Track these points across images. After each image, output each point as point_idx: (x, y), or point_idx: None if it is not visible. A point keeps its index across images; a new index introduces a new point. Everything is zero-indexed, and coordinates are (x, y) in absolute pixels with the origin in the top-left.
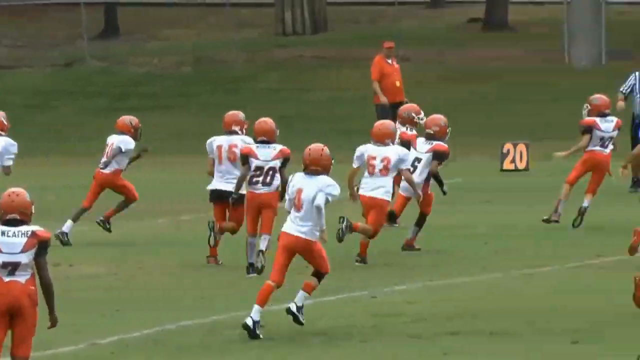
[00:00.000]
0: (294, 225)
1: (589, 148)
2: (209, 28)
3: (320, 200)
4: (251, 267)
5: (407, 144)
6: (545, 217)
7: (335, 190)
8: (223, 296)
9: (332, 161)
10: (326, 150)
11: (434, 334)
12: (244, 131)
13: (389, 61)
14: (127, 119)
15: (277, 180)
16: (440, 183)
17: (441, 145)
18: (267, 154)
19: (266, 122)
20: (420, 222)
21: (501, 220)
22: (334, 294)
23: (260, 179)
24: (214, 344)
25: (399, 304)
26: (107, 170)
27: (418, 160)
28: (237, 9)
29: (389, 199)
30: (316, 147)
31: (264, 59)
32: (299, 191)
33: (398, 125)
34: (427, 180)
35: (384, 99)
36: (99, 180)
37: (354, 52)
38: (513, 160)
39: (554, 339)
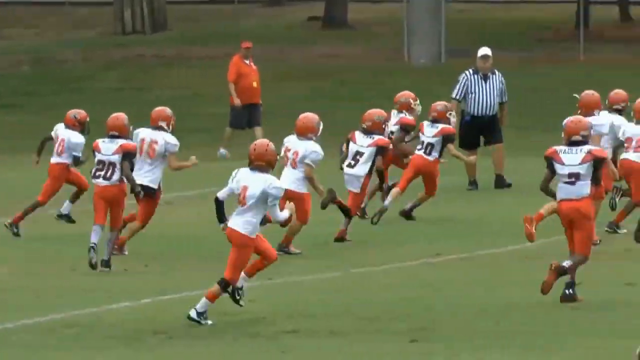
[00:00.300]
0: (236, 219)
1: (416, 152)
2: (49, 27)
3: (277, 215)
4: (92, 249)
5: (410, 128)
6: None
7: (280, 192)
8: (61, 294)
9: (278, 157)
10: (271, 145)
11: (273, 332)
12: (171, 126)
13: (247, 62)
14: (72, 113)
15: (117, 175)
16: (382, 178)
17: (383, 139)
18: (109, 149)
19: (117, 117)
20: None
21: (341, 218)
22: (174, 293)
23: (102, 173)
24: (51, 342)
25: None
26: (54, 161)
27: (359, 154)
28: (76, 8)
29: (303, 190)
30: (261, 142)
31: (103, 58)
32: (245, 188)
33: (394, 111)
34: (368, 174)
35: (237, 102)
36: (52, 173)
37: (194, 50)
38: None
39: (393, 338)
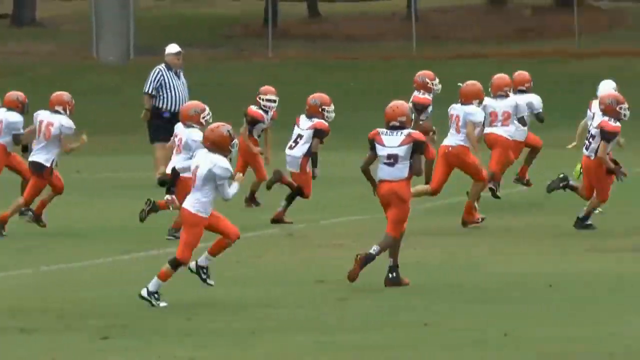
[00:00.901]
0: (188, 199)
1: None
2: None
3: (226, 193)
4: None
5: (421, 107)
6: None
7: (225, 172)
8: None
9: (234, 141)
10: (221, 128)
11: None
12: (69, 111)
13: None
14: (14, 94)
15: None
16: (314, 163)
17: (322, 123)
18: None
19: None
20: (291, 197)
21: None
22: None
23: None
24: None
25: None
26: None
27: (300, 136)
28: None
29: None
30: (213, 125)
31: None
32: (196, 168)
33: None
34: (306, 155)
35: None
36: None
37: None
38: None
39: (84, 335)
